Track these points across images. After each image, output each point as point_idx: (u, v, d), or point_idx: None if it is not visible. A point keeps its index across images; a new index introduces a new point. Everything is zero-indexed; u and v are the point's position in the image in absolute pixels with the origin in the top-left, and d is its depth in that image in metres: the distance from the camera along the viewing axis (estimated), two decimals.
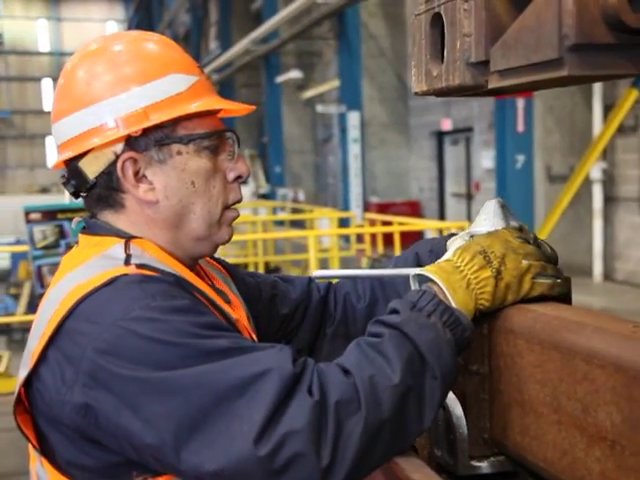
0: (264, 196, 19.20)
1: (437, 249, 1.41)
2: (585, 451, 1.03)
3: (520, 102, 9.67)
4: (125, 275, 1.09)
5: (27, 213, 5.78)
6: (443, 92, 1.22)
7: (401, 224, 9.20)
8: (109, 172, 1.17)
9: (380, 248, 9.40)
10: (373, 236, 9.94)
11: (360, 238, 11.09)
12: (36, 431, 1.10)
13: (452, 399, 1.23)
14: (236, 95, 22.20)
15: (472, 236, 1.25)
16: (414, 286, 1.20)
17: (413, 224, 9.34)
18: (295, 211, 15.26)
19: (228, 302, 1.28)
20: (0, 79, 37.89)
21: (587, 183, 9.57)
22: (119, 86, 1.16)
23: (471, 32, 1.11)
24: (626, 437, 0.95)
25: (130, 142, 1.16)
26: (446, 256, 1.21)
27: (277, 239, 11.59)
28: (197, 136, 1.18)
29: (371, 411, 0.98)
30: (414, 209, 14.40)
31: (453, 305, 1.12)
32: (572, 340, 1.04)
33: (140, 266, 1.11)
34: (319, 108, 15.99)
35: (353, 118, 13.91)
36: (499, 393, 1.21)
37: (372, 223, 11.28)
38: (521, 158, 9.78)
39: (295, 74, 16.98)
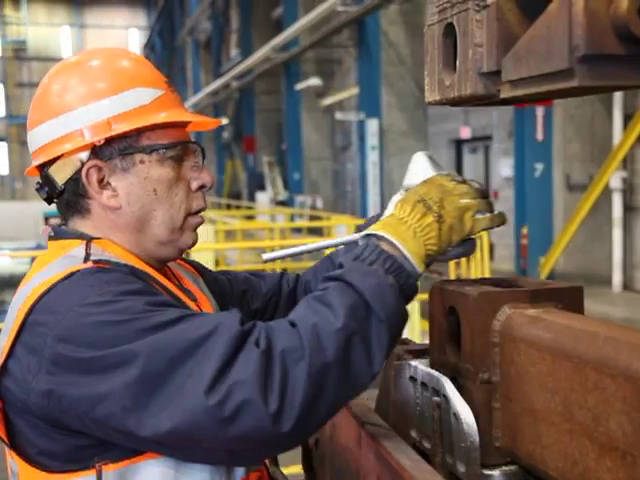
0: (282, 203, 19.25)
1: (374, 220, 1.45)
2: (596, 461, 1.02)
3: (540, 110, 9.62)
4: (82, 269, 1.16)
5: (46, 218, 5.84)
6: (455, 102, 1.23)
7: None
8: (76, 179, 1.26)
9: None
10: None
11: None
12: (8, 425, 1.16)
13: (463, 407, 1.23)
14: (256, 102, 22.31)
15: (407, 190, 1.29)
16: None
17: None
18: (313, 218, 15.27)
19: (194, 300, 1.36)
20: (23, 85, 38.30)
21: (607, 192, 9.50)
22: (88, 98, 1.24)
23: (483, 42, 1.12)
24: (637, 447, 0.95)
25: (95, 151, 1.24)
26: (388, 212, 1.25)
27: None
28: (159, 146, 1.26)
29: (314, 356, 1.03)
30: None
31: (407, 255, 1.16)
32: (583, 349, 1.04)
33: (97, 261, 1.19)
34: (338, 115, 16.01)
35: (372, 125, 13.89)
36: (510, 402, 1.21)
37: None
38: (540, 167, 9.71)
39: (314, 81, 17.02)
